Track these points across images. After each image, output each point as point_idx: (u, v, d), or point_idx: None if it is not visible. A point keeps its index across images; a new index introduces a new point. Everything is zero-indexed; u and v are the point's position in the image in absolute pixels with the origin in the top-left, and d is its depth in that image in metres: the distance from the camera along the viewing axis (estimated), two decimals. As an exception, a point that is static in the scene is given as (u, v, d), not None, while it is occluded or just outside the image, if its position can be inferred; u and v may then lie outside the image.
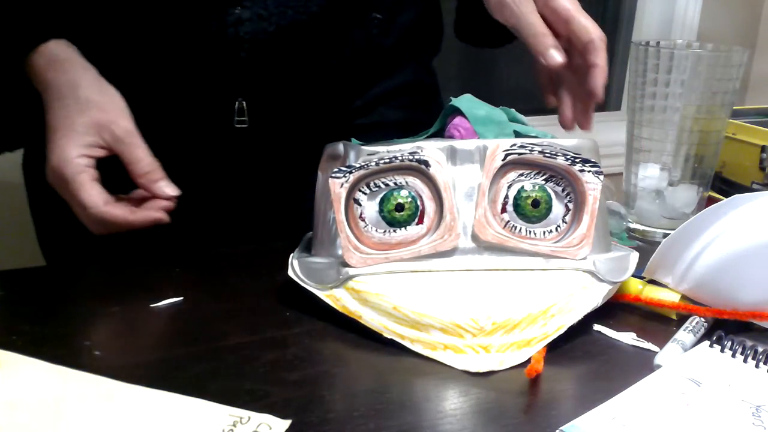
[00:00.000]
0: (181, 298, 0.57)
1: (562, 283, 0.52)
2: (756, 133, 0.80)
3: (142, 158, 0.58)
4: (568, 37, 0.60)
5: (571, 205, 0.53)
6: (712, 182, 0.76)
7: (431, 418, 0.43)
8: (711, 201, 0.77)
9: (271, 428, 0.41)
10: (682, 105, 0.71)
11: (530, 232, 0.52)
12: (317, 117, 0.73)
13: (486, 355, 0.49)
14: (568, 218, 0.53)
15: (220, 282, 0.57)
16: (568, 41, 0.60)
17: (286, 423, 0.42)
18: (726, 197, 0.82)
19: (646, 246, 0.71)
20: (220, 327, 0.53)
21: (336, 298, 0.53)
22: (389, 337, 0.50)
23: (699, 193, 0.74)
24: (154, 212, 0.58)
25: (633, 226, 0.76)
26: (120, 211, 0.57)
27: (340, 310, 0.53)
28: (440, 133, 0.60)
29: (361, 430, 0.42)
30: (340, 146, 0.55)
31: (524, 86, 1.96)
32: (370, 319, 0.51)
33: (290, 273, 0.55)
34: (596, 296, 0.52)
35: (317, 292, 0.54)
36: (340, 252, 0.53)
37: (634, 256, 0.57)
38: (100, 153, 0.58)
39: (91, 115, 0.58)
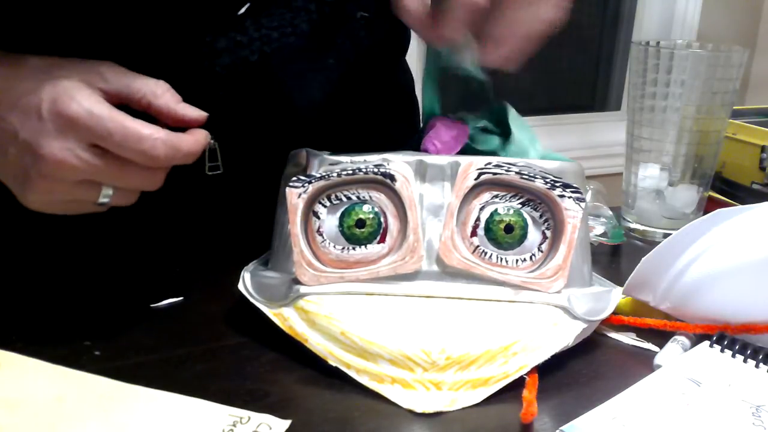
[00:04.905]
0: (181, 298, 0.57)
1: (530, 317, 0.47)
2: (756, 133, 0.80)
3: (146, 81, 0.48)
4: None
5: (548, 233, 0.48)
6: (712, 182, 0.76)
7: (431, 416, 0.44)
8: (711, 201, 0.78)
9: (271, 428, 0.41)
10: (682, 105, 0.71)
11: (501, 259, 0.48)
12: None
13: (437, 392, 0.45)
14: (544, 247, 0.48)
15: (220, 282, 0.57)
16: None
17: (286, 423, 0.42)
18: (726, 197, 0.83)
19: (645, 246, 0.72)
20: (220, 327, 0.53)
21: (284, 317, 0.49)
22: (334, 364, 0.47)
23: (699, 193, 0.74)
24: (201, 134, 0.48)
25: (633, 226, 0.76)
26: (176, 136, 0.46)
27: (287, 330, 0.49)
28: (417, 144, 0.55)
29: (362, 429, 0.42)
30: (303, 153, 0.51)
31: (523, 86, 1.96)
32: (317, 343, 0.47)
33: (240, 287, 0.52)
34: (567, 335, 0.48)
35: (265, 310, 0.50)
36: (294, 268, 0.49)
37: (616, 293, 0.53)
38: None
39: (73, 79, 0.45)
